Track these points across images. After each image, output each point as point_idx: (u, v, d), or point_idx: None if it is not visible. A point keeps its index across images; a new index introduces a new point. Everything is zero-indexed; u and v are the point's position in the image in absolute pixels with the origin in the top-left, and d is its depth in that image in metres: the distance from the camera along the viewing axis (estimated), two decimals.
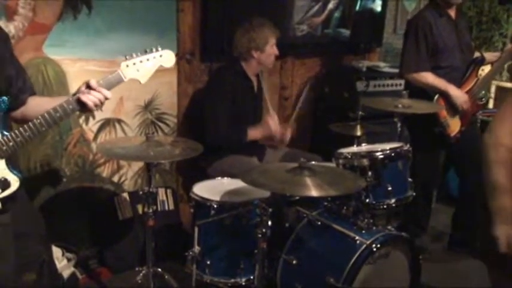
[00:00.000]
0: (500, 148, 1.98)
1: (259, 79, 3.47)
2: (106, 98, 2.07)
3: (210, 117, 3.22)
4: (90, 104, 2.03)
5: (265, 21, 3.28)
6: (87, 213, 3.37)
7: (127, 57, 2.15)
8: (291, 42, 4.02)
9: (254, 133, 3.30)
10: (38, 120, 1.98)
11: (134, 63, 2.16)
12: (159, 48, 2.22)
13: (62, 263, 3.04)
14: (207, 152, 2.79)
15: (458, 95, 3.36)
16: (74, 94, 2.05)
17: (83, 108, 2.05)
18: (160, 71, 3.41)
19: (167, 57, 2.24)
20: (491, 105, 4.92)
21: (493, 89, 4.96)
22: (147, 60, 2.19)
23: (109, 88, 2.08)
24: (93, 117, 3.28)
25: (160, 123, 3.58)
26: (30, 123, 1.98)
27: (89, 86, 2.04)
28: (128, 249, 3.31)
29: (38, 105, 2.11)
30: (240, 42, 3.27)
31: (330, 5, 4.14)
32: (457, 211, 3.74)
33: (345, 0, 4.24)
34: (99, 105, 2.07)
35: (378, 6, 4.46)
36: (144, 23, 3.32)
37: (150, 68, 2.20)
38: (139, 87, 3.37)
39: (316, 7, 4.06)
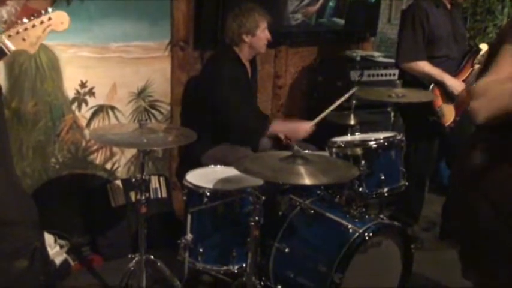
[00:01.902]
0: None
1: (253, 65, 3.46)
2: None
3: (230, 110, 3.17)
4: None
5: (255, 6, 3.25)
6: (80, 200, 3.36)
7: (11, 27, 1.95)
8: (285, 31, 4.01)
9: (277, 128, 3.28)
10: None
11: (18, 32, 1.95)
12: (49, 10, 2.02)
13: (54, 249, 3.03)
14: (201, 139, 2.78)
15: (455, 84, 3.36)
16: None
17: None
18: (154, 58, 3.51)
19: (58, 19, 2.01)
20: None
21: None
22: (33, 26, 1.97)
23: None
24: (86, 104, 3.27)
25: (153, 111, 3.57)
26: None
27: None
28: (121, 237, 3.31)
29: None
30: (231, 28, 3.24)
31: None
32: (448, 201, 3.76)
33: None
34: None
35: None
36: (137, 10, 3.30)
37: (39, 34, 1.98)
38: (133, 74, 3.39)
39: None
